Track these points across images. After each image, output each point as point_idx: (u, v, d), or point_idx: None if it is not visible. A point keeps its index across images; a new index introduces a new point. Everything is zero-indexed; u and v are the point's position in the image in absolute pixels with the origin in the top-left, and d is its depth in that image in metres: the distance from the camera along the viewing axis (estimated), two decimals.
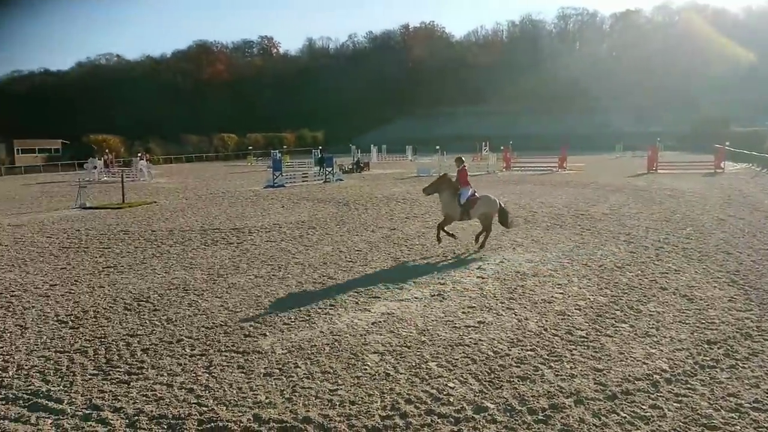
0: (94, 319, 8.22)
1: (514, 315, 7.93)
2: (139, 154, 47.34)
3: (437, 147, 43.43)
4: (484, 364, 6.31)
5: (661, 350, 6.58)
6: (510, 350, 6.67)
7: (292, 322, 7.85)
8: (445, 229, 12.56)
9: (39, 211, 23.11)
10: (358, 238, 14.29)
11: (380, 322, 7.76)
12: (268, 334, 7.41)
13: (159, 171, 51.23)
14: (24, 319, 8.34)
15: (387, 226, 16.05)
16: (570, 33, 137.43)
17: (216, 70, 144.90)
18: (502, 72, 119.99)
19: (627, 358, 6.36)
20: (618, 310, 8.06)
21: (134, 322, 8.04)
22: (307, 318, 7.99)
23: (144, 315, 8.37)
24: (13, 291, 9.99)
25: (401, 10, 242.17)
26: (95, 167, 43.89)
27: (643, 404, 5.34)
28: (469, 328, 7.43)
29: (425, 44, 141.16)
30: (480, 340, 7.02)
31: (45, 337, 7.51)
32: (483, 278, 9.96)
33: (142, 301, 9.13)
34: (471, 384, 5.83)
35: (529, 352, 6.60)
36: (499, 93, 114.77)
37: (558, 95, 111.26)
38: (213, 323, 7.88)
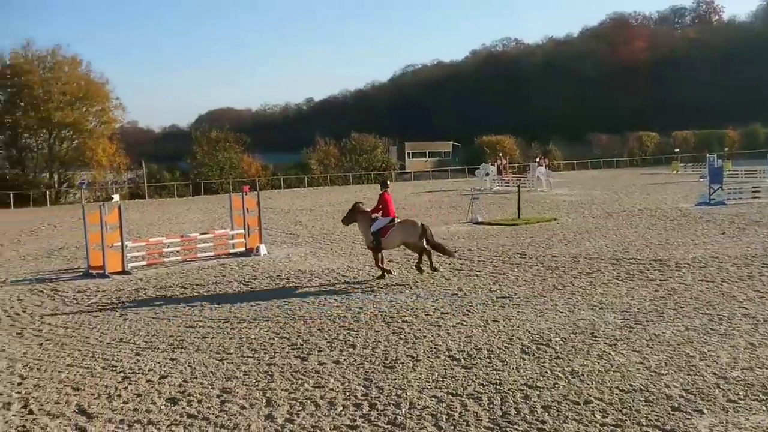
0: (488, 360, 8.94)
1: None
2: (537, 159, 50.00)
3: None
4: None
5: None
6: None
7: (740, 399, 7.27)
8: (380, 262, 14.90)
9: (429, 224, 26.19)
10: None
11: None
12: (706, 411, 7.01)
13: (559, 179, 53.24)
14: (415, 349, 9.54)
15: None
16: None
17: (634, 49, 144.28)
18: None
19: None
20: None
21: (533, 370, 8.47)
22: (764, 398, 7.30)
23: (544, 362, 8.75)
24: (404, 316, 11.54)
25: None
26: (487, 174, 47.95)
27: None
28: None
29: None
30: None
31: (437, 374, 8.45)
32: None
33: (542, 344, 9.57)
34: None
35: None
36: None
37: None
38: (630, 386, 7.80)
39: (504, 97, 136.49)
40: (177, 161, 70.60)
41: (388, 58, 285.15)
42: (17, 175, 53.92)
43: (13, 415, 7.59)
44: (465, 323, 10.91)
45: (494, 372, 8.46)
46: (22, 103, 54.06)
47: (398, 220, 14.93)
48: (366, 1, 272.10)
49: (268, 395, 7.97)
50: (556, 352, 9.16)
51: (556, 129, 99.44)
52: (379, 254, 14.88)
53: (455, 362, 8.92)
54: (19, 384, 8.73)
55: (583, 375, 8.22)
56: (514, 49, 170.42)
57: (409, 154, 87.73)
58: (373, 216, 14.86)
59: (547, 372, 8.38)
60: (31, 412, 7.69)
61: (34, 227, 31.10)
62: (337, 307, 12.55)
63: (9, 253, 22.36)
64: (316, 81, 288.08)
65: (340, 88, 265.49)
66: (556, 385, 7.91)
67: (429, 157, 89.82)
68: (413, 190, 52.33)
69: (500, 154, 60.37)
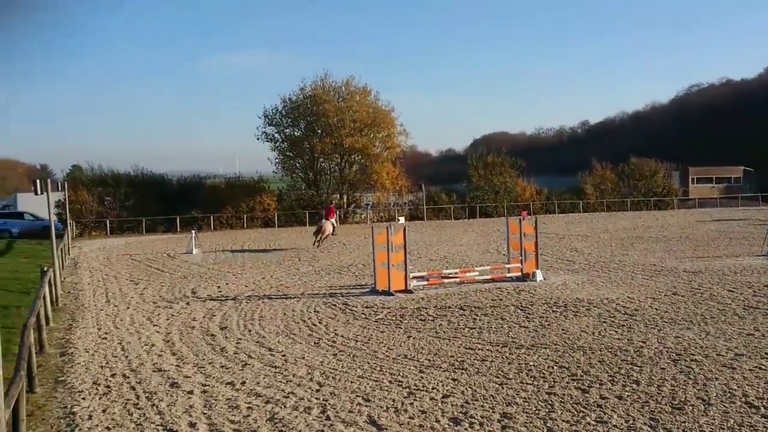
0: None
1: None
2: None
3: None
4: None
5: None
6: None
7: None
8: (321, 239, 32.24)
9: (717, 255, 24.41)
10: None
11: None
12: None
13: None
14: (707, 392, 8.87)
15: None
16: None
17: None
18: None
19: None
20: None
21: None
22: None
23: None
24: (693, 354, 10.80)
25: None
26: None
27: None
28: None
29: None
30: None
31: (732, 422, 7.76)
32: None
33: None
34: None
35: None
36: None
37: None
38: None
39: None
40: (453, 184, 72.40)
41: (670, 78, 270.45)
42: (312, 196, 58.65)
43: (312, 420, 8.27)
44: (764, 367, 9.95)
45: None
46: (319, 130, 58.85)
47: (324, 221, 32.11)
48: (643, 22, 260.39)
49: (548, 425, 7.87)
50: None
51: None
52: (318, 235, 31.60)
53: (753, 410, 8.15)
54: (317, 390, 9.50)
55: None
56: None
57: (693, 179, 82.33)
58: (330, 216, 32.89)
59: None
60: (328, 418, 8.32)
61: (326, 244, 33.59)
62: (618, 339, 12.08)
63: (306, 268, 24.44)
64: (591, 103, 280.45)
65: (617, 110, 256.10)
66: None
67: (715, 183, 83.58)
68: (698, 218, 48.85)
69: None
